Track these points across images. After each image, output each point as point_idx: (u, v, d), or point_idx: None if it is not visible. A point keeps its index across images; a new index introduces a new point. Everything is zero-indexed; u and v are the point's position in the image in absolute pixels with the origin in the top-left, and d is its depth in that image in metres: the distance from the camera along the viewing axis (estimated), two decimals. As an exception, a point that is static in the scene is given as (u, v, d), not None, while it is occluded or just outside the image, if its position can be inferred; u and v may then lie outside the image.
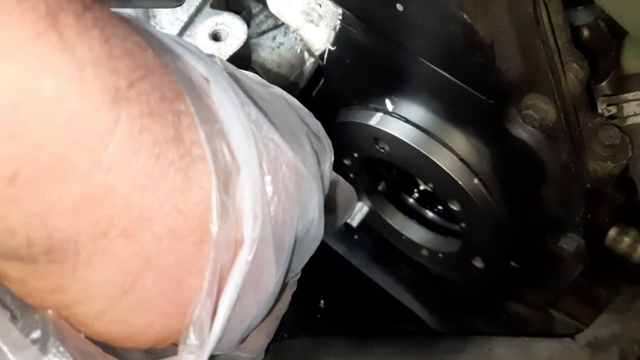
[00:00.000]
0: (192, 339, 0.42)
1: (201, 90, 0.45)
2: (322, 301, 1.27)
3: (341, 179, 0.72)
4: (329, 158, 0.58)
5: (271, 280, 0.48)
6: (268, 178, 0.46)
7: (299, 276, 0.67)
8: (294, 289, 0.68)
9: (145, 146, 0.38)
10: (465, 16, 0.68)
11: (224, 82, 0.46)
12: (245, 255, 0.44)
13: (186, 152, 0.41)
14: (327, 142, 0.59)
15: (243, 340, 0.56)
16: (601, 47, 0.93)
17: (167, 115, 0.40)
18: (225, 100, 0.45)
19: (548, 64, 0.71)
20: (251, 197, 0.44)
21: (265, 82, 0.57)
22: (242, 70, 0.55)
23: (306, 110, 0.60)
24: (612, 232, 1.00)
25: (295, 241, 0.51)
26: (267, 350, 0.93)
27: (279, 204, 0.47)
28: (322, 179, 0.55)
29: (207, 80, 0.46)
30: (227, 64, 0.52)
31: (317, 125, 0.59)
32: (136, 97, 0.38)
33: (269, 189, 0.46)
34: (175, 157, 0.40)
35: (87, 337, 0.43)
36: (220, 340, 0.44)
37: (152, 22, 0.89)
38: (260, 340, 0.62)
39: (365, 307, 1.32)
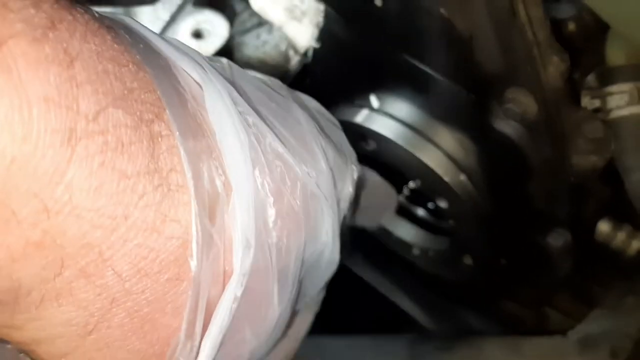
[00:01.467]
0: None
1: (193, 100, 0.41)
2: (310, 301, 1.26)
3: (377, 178, 0.68)
4: (350, 175, 0.52)
5: (272, 312, 0.44)
6: (270, 199, 0.42)
7: (322, 295, 0.62)
8: (317, 309, 0.64)
9: (108, 183, 0.35)
10: (442, 10, 0.68)
11: (220, 88, 0.42)
12: (232, 290, 0.40)
13: (162, 181, 0.37)
14: (351, 157, 0.53)
15: None
16: (587, 40, 0.93)
17: (141, 143, 0.36)
18: (219, 110, 0.41)
19: (526, 56, 0.71)
20: (242, 222, 0.40)
21: (279, 85, 0.52)
22: (253, 73, 0.50)
23: (330, 117, 0.54)
24: (606, 227, 1.00)
25: (302, 266, 0.46)
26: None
27: (282, 229, 0.42)
28: (339, 200, 0.50)
29: (199, 88, 0.42)
30: (233, 65, 0.48)
31: (339, 137, 0.54)
32: (100, 129, 0.34)
33: (271, 211, 0.42)
34: (147, 189, 0.36)
35: None
36: None
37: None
38: None
39: (356, 307, 1.31)
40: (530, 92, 0.74)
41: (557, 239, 0.92)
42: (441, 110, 0.87)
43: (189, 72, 0.42)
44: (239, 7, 0.99)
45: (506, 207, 0.94)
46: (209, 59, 0.46)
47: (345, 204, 0.51)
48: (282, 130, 0.45)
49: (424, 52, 0.77)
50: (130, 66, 0.37)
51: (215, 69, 0.44)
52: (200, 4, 0.92)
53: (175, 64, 0.42)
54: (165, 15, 0.88)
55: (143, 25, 0.43)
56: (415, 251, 1.16)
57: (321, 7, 0.86)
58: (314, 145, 0.47)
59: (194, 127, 0.39)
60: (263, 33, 0.99)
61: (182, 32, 0.88)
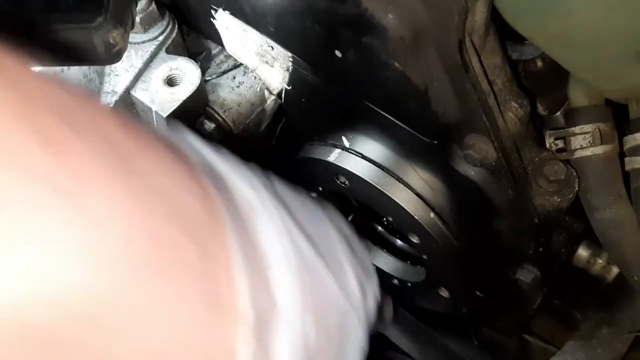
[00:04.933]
0: None
1: (246, 220, 0.42)
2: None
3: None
4: (372, 292, 0.53)
5: None
6: (310, 318, 0.43)
7: None
8: None
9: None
10: (396, 64, 0.70)
11: (272, 209, 0.43)
12: None
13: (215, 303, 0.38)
14: (373, 277, 0.55)
15: None
16: (555, 77, 0.94)
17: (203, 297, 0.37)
18: (271, 233, 0.42)
19: (481, 107, 0.73)
20: (289, 348, 0.40)
21: (316, 202, 0.53)
22: (288, 189, 0.51)
23: (356, 237, 0.55)
24: (585, 254, 1.01)
25: None
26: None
27: (318, 350, 0.43)
28: (366, 313, 0.51)
29: (252, 206, 0.43)
30: (268, 173, 0.48)
31: (365, 258, 0.54)
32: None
33: (312, 329, 0.43)
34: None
35: None
36: None
37: (107, 70, 0.91)
38: None
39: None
40: (488, 139, 0.76)
41: (527, 275, 0.94)
42: (408, 152, 0.89)
43: (241, 189, 0.43)
44: (215, 49, 1.01)
45: (476, 243, 0.95)
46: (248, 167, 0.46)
47: (371, 318, 0.53)
48: (321, 249, 0.46)
49: (384, 100, 0.79)
50: (197, 206, 0.38)
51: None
52: (175, 49, 0.94)
53: (228, 180, 0.43)
54: (139, 63, 0.90)
55: (197, 140, 0.44)
56: (395, 282, 1.17)
57: (289, 54, 0.88)
58: (344, 261, 0.48)
59: (252, 252, 0.40)
60: (238, 75, 1.01)
61: (155, 79, 0.90)
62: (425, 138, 0.79)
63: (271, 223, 0.42)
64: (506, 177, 0.80)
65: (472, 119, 0.74)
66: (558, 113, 0.94)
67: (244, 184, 0.43)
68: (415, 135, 0.81)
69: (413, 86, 0.72)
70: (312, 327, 0.42)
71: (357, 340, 0.48)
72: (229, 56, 1.02)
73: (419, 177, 0.91)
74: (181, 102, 0.89)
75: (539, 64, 0.95)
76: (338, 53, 0.76)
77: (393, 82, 0.73)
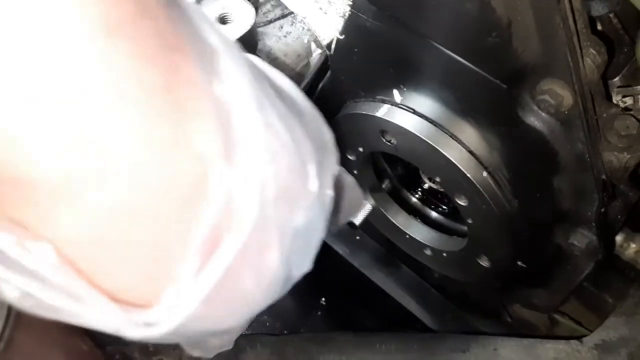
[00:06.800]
0: (167, 300, 0.38)
1: (210, 55, 0.40)
2: (323, 298, 1.24)
3: (349, 178, 0.66)
4: (331, 166, 0.51)
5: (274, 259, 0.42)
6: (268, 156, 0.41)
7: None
8: None
9: (129, 87, 0.34)
10: (483, -7, 0.67)
11: (236, 55, 0.41)
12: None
13: (179, 106, 0.37)
14: (332, 149, 0.51)
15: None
16: (615, 40, 0.92)
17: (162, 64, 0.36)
18: (233, 70, 0.40)
19: (567, 45, 0.69)
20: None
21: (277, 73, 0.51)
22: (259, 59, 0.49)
23: (317, 113, 0.52)
24: (619, 238, 0.99)
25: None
26: (267, 344, 0.90)
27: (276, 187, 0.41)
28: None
29: (217, 51, 0.41)
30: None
31: (326, 132, 0.51)
32: (131, 34, 0.34)
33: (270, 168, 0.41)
34: (163, 107, 0.36)
35: None
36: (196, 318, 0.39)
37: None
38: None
39: (365, 308, 1.29)
40: (566, 83, 0.73)
41: (581, 240, 0.91)
42: (468, 103, 0.85)
43: (208, 35, 0.41)
44: (262, -4, 0.98)
45: (529, 205, 0.92)
46: None
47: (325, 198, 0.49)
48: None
49: (458, 39, 0.76)
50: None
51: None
52: (225, -10, 0.90)
53: (196, 24, 0.41)
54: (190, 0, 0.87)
55: None
56: (428, 252, 1.14)
57: (350, -5, 0.85)
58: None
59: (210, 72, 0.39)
60: (286, 24, 0.98)
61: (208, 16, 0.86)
62: (497, 80, 0.76)
63: (234, 65, 0.41)
64: (578, 127, 0.77)
65: (553, 59, 0.71)
66: (616, 78, 0.91)
67: (211, 31, 0.42)
68: (483, 79, 0.77)
69: (496, 19, 0.69)
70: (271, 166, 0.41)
71: (304, 209, 0.44)
72: (276, 5, 0.99)
73: (475, 133, 0.88)
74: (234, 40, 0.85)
75: (598, 27, 0.92)
76: (414, -14, 0.73)
77: (474, 15, 0.70)
